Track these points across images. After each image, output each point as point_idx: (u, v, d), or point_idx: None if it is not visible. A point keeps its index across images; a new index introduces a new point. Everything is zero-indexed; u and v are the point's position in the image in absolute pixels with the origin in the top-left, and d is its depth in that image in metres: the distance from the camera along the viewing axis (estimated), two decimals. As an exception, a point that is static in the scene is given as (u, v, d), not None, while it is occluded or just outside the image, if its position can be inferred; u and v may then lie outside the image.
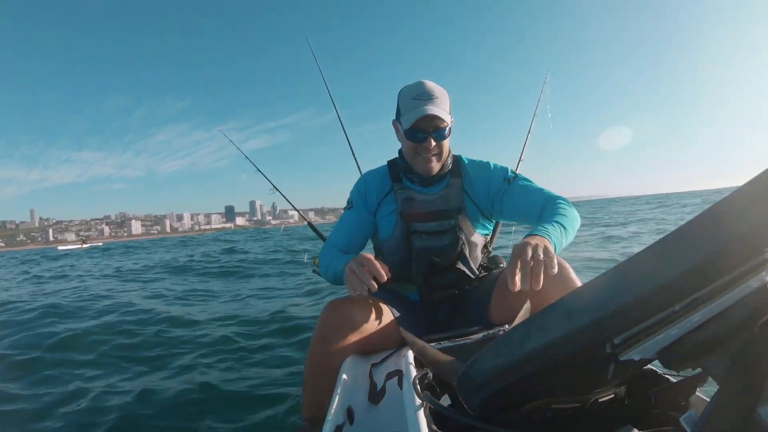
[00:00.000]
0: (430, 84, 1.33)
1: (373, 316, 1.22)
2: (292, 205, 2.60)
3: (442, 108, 1.30)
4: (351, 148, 2.56)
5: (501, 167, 1.45)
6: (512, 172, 1.43)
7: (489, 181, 1.41)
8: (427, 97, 1.29)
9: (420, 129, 1.30)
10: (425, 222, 1.37)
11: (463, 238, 1.38)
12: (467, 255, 1.38)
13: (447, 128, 1.33)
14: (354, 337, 1.16)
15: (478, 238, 1.44)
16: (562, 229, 1.17)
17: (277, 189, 2.57)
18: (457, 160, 1.46)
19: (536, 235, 1.09)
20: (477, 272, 1.41)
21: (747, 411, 0.44)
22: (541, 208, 1.30)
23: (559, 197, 1.31)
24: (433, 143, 1.32)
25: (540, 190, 1.36)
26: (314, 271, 2.18)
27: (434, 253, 1.36)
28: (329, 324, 1.16)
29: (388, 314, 1.27)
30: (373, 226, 1.46)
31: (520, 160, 2.48)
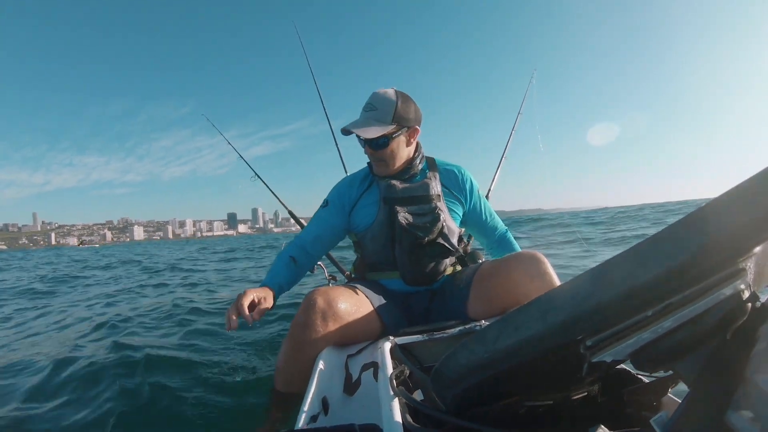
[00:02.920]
0: (380, 94, 1.40)
1: (355, 306, 1.25)
2: (272, 191, 2.58)
3: (375, 119, 1.37)
4: (338, 150, 2.58)
5: (470, 175, 1.59)
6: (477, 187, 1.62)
7: (462, 180, 1.55)
8: (369, 108, 1.39)
9: (359, 137, 1.41)
10: (407, 205, 1.43)
11: (443, 216, 1.45)
12: (447, 232, 1.45)
13: (380, 139, 1.38)
14: (335, 326, 1.18)
15: (454, 225, 1.50)
16: None
17: (258, 175, 2.52)
18: (432, 159, 1.57)
19: None
20: (457, 247, 1.48)
21: (717, 416, 0.44)
22: (501, 235, 1.65)
23: (507, 229, 1.67)
24: (371, 150, 1.42)
25: (497, 217, 1.66)
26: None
27: (418, 228, 1.41)
28: (312, 311, 1.17)
29: (370, 305, 1.31)
30: (343, 231, 1.56)
31: (503, 157, 2.53)
